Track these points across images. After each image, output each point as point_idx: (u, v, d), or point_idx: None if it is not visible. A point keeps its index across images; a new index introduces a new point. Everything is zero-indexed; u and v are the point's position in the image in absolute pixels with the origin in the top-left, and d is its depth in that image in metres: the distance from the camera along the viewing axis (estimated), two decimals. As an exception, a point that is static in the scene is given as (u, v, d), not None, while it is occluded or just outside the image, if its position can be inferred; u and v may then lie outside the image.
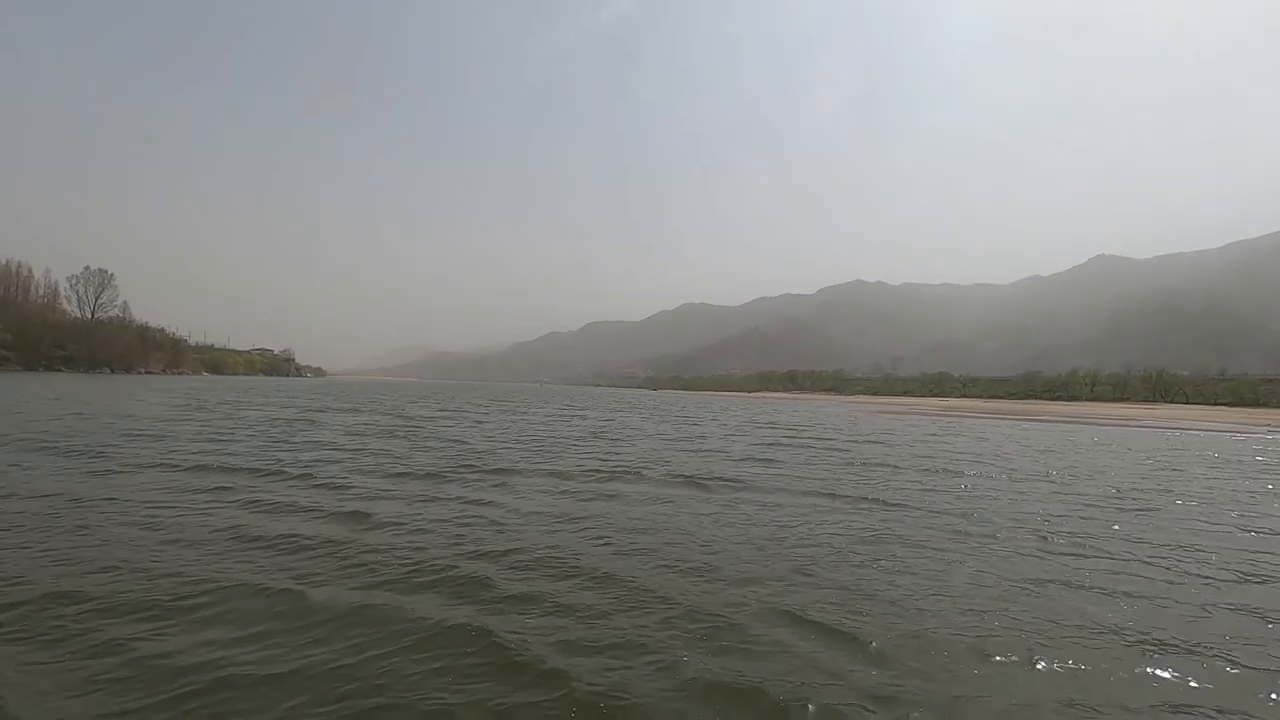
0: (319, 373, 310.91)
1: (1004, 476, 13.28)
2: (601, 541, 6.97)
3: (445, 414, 29.39)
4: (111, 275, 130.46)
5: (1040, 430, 32.92)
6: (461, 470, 11.34)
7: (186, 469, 10.66)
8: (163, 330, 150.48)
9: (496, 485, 10.16)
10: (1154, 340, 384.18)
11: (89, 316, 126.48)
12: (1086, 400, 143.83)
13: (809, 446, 18.72)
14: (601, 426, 24.65)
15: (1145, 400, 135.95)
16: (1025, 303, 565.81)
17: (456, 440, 17.14)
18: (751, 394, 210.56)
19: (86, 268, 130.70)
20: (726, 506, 9.12)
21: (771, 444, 19.07)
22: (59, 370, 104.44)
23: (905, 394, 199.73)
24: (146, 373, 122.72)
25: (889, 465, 14.70)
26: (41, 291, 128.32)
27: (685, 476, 11.53)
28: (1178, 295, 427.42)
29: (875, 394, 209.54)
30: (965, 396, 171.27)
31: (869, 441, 21.50)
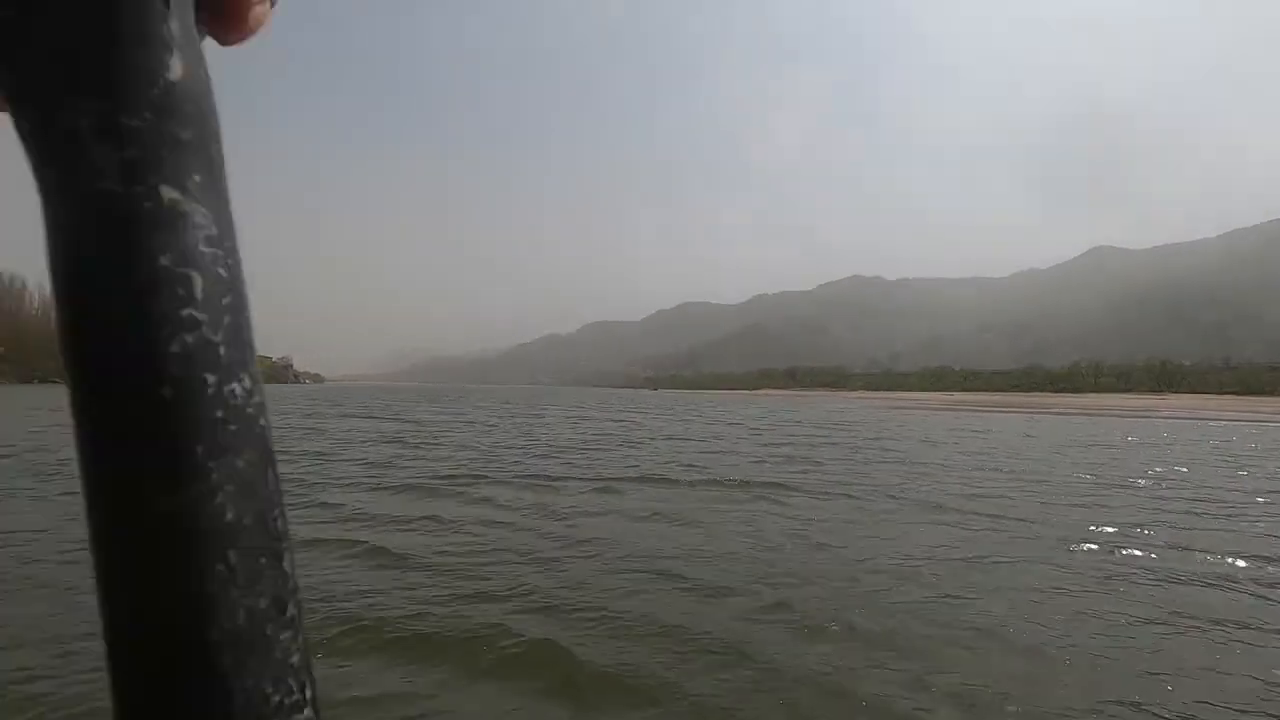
0: (317, 379, 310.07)
1: (1088, 477, 12.21)
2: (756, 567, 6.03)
3: (466, 420, 28.42)
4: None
5: (1065, 424, 32.03)
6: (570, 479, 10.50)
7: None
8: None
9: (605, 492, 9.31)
10: (1153, 331, 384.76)
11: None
12: (1090, 392, 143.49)
13: (838, 444, 17.76)
14: (636, 428, 23.67)
15: (1150, 391, 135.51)
16: (1022, 296, 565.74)
17: (522, 448, 16.24)
18: (753, 391, 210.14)
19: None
20: (846, 518, 8.06)
21: (809, 443, 18.09)
22: (54, 382, 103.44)
23: (906, 389, 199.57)
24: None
25: (945, 465, 13.70)
26: (36, 304, 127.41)
27: (773, 483, 10.45)
28: (1176, 285, 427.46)
29: (876, 389, 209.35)
30: (967, 390, 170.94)
31: (905, 439, 20.58)
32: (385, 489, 9.34)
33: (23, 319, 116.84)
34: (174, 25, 0.20)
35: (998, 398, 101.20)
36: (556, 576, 5.41)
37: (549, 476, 10.73)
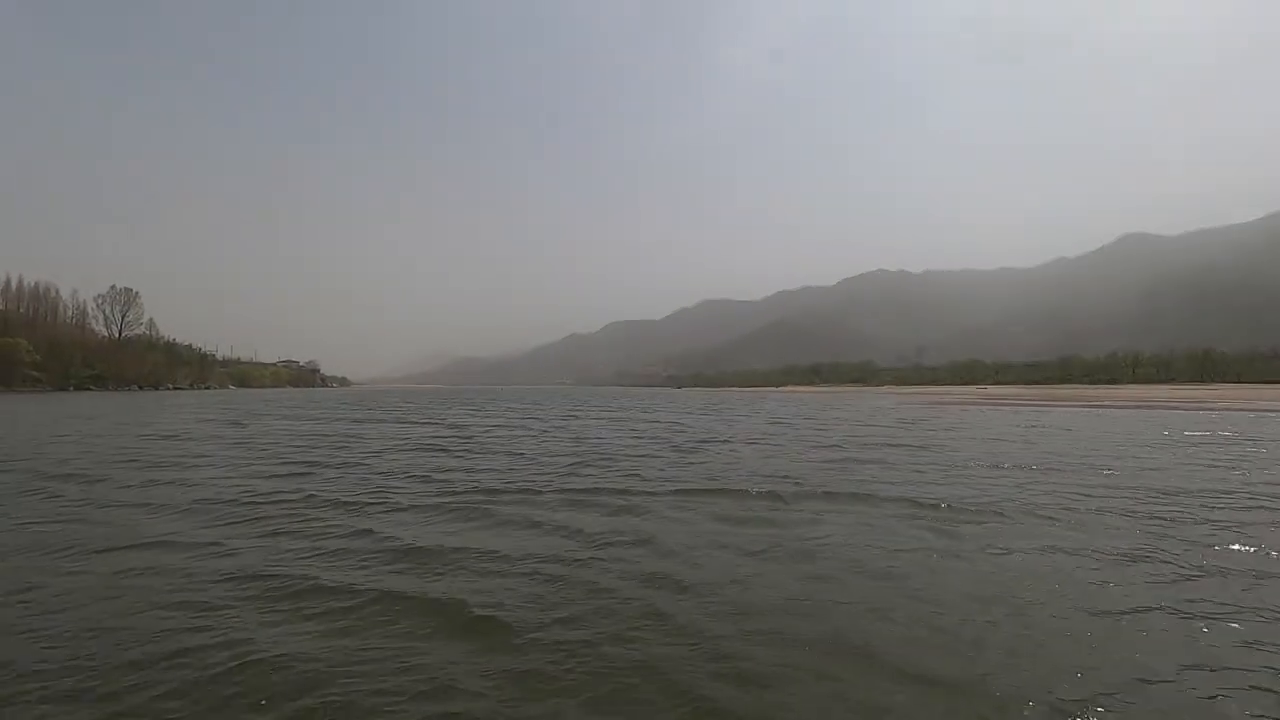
0: (344, 383, 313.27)
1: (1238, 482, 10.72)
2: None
3: (504, 424, 27.43)
4: (136, 294, 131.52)
5: (1131, 419, 30.15)
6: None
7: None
8: (189, 346, 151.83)
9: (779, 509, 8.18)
10: (1189, 319, 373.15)
11: (116, 335, 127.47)
12: (1128, 383, 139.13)
13: (925, 446, 16.28)
14: (682, 430, 22.44)
15: (1192, 381, 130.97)
16: (1052, 285, 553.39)
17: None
18: (779, 388, 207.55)
19: (112, 287, 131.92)
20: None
21: (887, 445, 16.66)
22: (88, 389, 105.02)
23: (935, 383, 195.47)
24: (175, 388, 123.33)
25: (1066, 470, 12.27)
26: (70, 312, 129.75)
27: (911, 499, 9.12)
28: (1212, 272, 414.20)
29: (904, 384, 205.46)
30: (999, 383, 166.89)
31: (984, 439, 19.08)
32: (485, 514, 8.14)
33: (57, 327, 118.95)
34: None
35: (1037, 391, 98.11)
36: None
37: (636, 490, 9.58)
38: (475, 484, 10.01)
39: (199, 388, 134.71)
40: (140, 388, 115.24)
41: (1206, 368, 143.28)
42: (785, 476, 10.79)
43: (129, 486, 10.14)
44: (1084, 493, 9.55)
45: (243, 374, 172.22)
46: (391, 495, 9.12)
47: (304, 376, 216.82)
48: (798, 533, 7.03)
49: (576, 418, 30.24)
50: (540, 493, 9.27)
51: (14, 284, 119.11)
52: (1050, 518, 7.72)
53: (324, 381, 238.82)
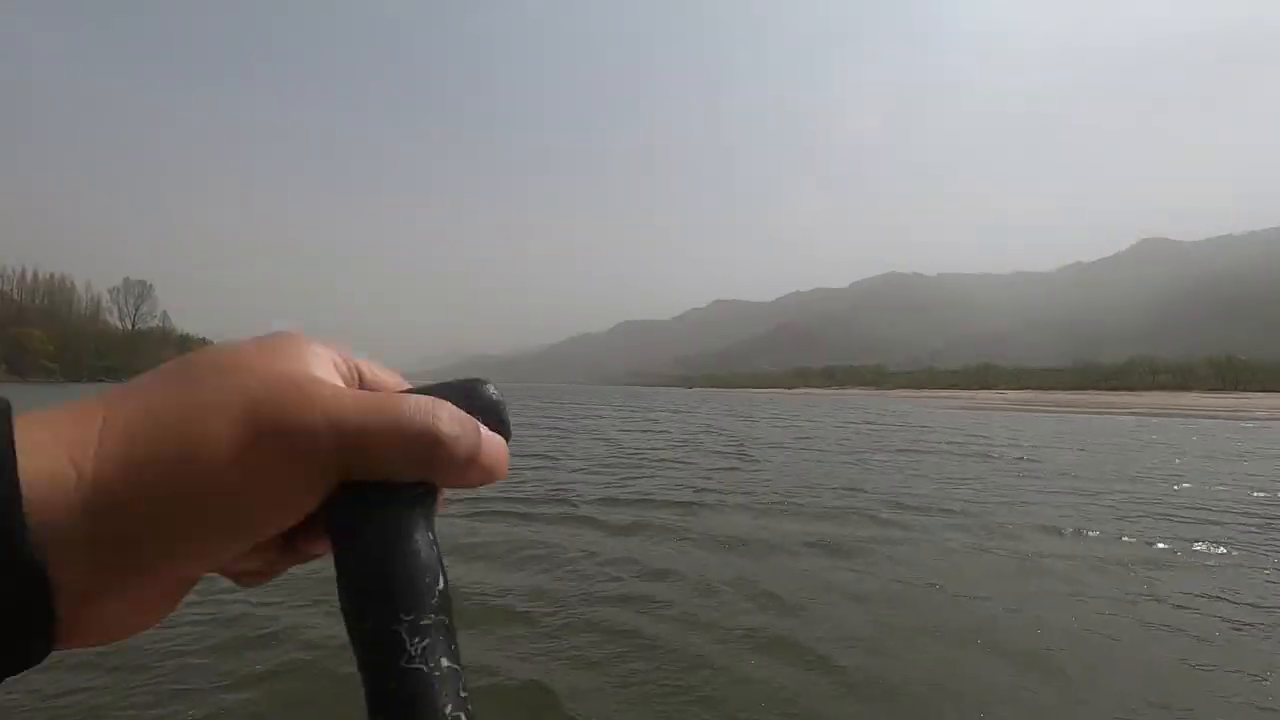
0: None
1: None
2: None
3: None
4: (150, 286, 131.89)
5: (1172, 426, 28.77)
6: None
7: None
8: (204, 340, 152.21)
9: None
10: (1208, 326, 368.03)
11: (130, 328, 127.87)
12: (1146, 390, 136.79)
13: (992, 456, 15.04)
14: (717, 432, 21.31)
15: (1213, 389, 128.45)
16: (1069, 291, 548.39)
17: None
18: (790, 390, 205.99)
19: (126, 279, 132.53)
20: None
21: (948, 454, 15.42)
22: (101, 381, 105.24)
23: (950, 387, 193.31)
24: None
25: (1150, 483, 11.15)
26: (84, 304, 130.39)
27: (952, 510, 7.97)
28: (1231, 279, 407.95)
29: (919, 388, 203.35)
30: (1015, 388, 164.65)
31: (1033, 446, 17.88)
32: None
33: (72, 319, 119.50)
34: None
35: (1058, 396, 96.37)
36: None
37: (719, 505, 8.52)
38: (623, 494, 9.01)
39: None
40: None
41: (1229, 375, 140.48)
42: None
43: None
44: (1165, 505, 8.27)
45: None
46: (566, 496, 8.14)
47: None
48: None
49: (603, 416, 29.18)
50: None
51: (29, 276, 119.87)
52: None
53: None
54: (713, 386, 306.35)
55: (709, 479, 10.17)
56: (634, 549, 5.94)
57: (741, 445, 16.29)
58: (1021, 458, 14.29)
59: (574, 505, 7.95)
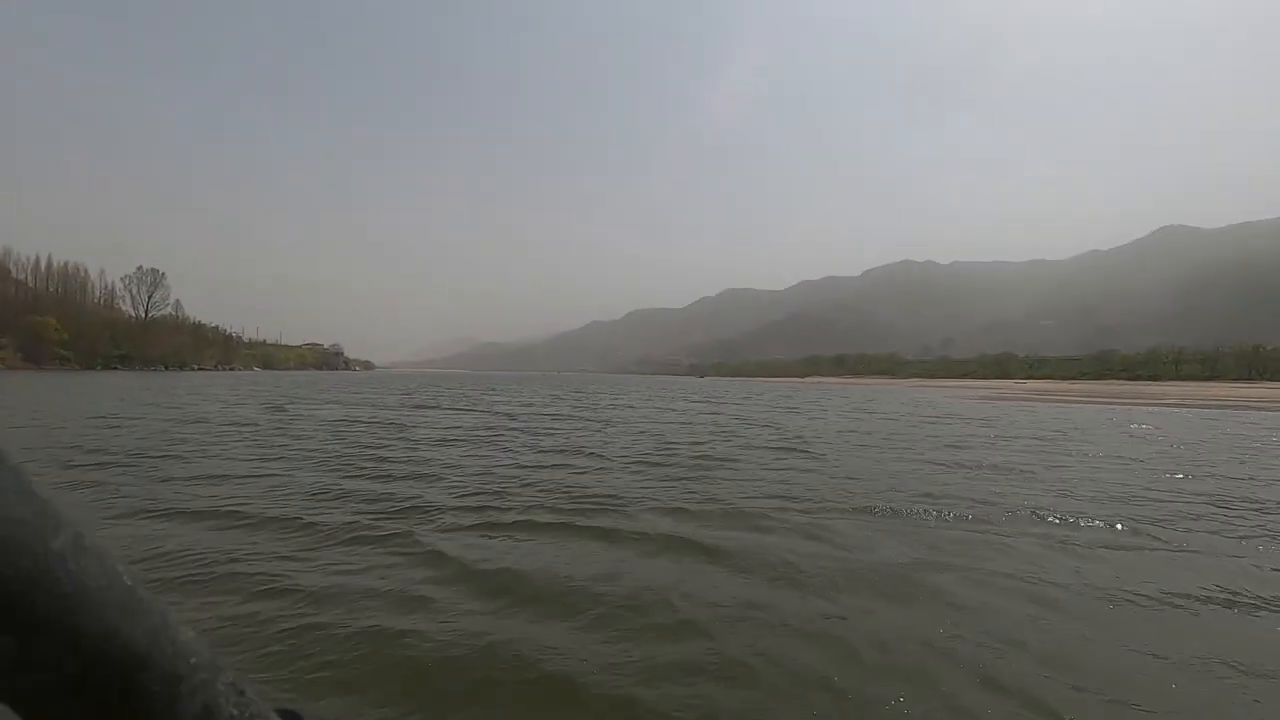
0: (368, 366, 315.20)
1: None
2: None
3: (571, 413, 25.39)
4: (163, 275, 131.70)
5: (1231, 420, 27.33)
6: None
7: None
8: (216, 328, 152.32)
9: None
10: (1229, 315, 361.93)
11: (143, 315, 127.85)
12: (1171, 379, 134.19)
13: (1069, 452, 13.80)
14: (749, 422, 20.14)
15: (1239, 379, 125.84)
16: (1085, 279, 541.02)
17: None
18: (803, 379, 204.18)
19: (139, 268, 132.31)
20: None
21: (1019, 449, 14.21)
22: (115, 368, 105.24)
23: (965, 376, 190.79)
24: (199, 369, 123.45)
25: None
26: (98, 292, 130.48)
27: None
28: (1253, 266, 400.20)
29: (932, 377, 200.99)
30: (1032, 378, 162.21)
31: (1100, 439, 16.60)
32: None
33: (86, 307, 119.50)
34: None
35: (1082, 386, 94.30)
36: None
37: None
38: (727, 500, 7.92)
39: (224, 369, 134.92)
40: (166, 368, 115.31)
41: (1255, 365, 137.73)
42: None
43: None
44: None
45: (267, 356, 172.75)
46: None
47: (328, 359, 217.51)
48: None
49: (635, 408, 28.01)
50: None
51: (44, 264, 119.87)
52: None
53: (348, 365, 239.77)
54: (724, 375, 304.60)
55: (789, 483, 9.00)
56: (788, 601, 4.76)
57: (799, 439, 15.09)
58: (1177, 460, 13.00)
59: (664, 521, 6.80)
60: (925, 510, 7.23)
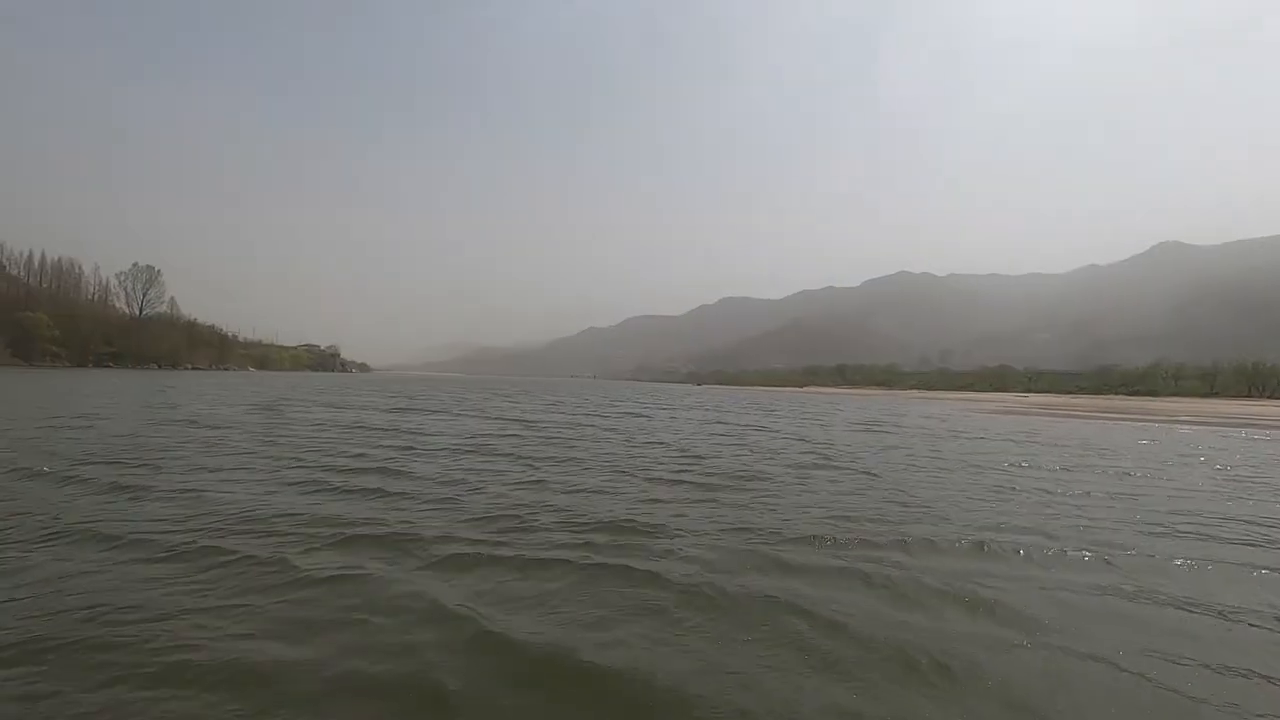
0: (364, 368, 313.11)
1: None
2: None
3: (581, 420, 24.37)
4: (158, 272, 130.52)
5: (1253, 438, 26.41)
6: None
7: None
8: (211, 327, 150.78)
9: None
10: (1226, 332, 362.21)
11: (137, 313, 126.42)
12: (1170, 395, 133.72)
13: (1126, 474, 12.80)
14: (772, 434, 19.12)
15: (1238, 396, 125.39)
16: (1082, 293, 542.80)
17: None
18: (801, 389, 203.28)
19: (134, 264, 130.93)
20: None
21: (1082, 469, 13.27)
22: (108, 366, 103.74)
23: (964, 389, 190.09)
24: (194, 369, 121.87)
25: None
26: (92, 289, 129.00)
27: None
28: (1251, 284, 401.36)
29: (930, 389, 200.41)
30: (1031, 391, 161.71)
31: (1150, 458, 15.62)
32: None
33: (80, 304, 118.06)
34: None
35: (1086, 401, 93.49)
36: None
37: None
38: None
39: (218, 369, 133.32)
40: (159, 366, 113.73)
41: (1255, 382, 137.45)
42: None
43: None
44: None
45: (263, 356, 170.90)
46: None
47: (324, 361, 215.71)
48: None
49: (648, 416, 26.95)
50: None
51: (37, 259, 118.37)
52: None
53: (344, 366, 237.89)
54: (721, 384, 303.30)
55: (838, 500, 7.95)
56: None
57: (827, 451, 14.04)
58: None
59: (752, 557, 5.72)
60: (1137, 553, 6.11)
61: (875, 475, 11.02)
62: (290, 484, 8.46)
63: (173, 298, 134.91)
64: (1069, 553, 6.04)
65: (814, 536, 6.36)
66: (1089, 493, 9.84)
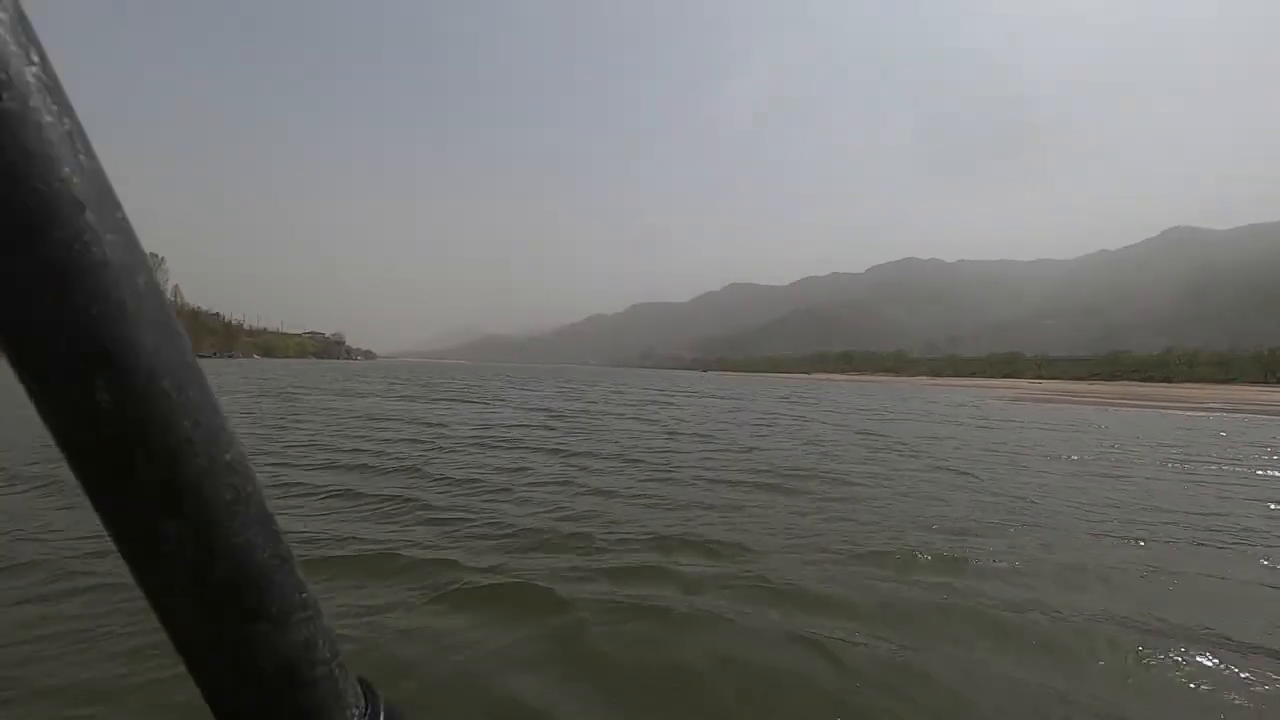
0: (369, 355, 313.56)
1: None
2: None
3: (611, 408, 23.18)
4: (162, 259, 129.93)
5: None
6: None
7: None
8: (217, 315, 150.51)
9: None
10: (1238, 317, 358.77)
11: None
12: (1184, 382, 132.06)
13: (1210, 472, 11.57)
14: (806, 422, 17.94)
15: (1255, 382, 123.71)
16: (1092, 279, 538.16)
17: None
18: (809, 375, 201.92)
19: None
20: None
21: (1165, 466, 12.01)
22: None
23: (973, 375, 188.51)
24: (199, 356, 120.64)
25: None
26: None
27: None
28: (1262, 268, 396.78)
29: (939, 375, 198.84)
30: (1042, 377, 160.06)
31: (1206, 448, 14.37)
32: None
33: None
34: None
35: (1102, 387, 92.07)
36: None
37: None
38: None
39: (223, 356, 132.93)
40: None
41: (1272, 368, 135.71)
42: None
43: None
44: None
45: (268, 344, 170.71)
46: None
47: (329, 348, 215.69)
48: None
49: (671, 403, 25.76)
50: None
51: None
52: None
53: (349, 354, 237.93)
54: (727, 370, 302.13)
55: (959, 507, 6.77)
56: None
57: (902, 444, 12.83)
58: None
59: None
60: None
61: (970, 475, 9.66)
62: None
63: (176, 285, 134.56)
64: None
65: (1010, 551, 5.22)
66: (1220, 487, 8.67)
